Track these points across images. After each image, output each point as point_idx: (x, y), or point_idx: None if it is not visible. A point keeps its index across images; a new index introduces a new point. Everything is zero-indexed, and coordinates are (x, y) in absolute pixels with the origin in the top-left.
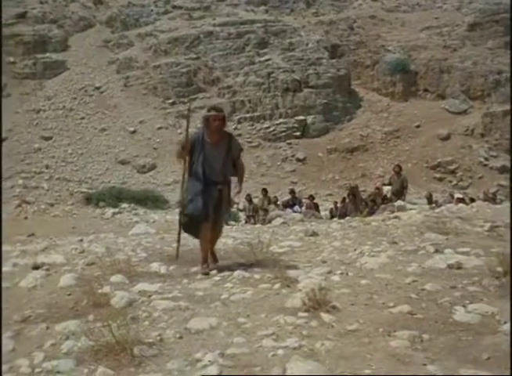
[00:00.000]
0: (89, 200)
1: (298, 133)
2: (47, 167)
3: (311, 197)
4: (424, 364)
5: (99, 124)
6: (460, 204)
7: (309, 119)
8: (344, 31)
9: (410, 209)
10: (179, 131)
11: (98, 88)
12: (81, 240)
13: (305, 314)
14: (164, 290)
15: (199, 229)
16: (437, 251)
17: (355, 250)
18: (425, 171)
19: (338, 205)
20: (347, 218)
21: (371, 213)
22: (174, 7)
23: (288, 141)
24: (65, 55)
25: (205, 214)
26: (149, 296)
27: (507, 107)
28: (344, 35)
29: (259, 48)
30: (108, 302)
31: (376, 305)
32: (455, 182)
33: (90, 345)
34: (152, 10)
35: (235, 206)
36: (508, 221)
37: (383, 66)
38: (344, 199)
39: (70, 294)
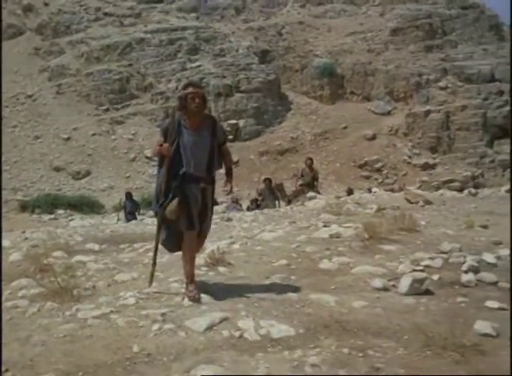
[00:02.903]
0: (24, 207)
1: (231, 137)
2: None
3: (269, 180)
4: (286, 292)
5: (32, 132)
6: (366, 194)
7: (241, 123)
8: (273, 37)
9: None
10: (113, 137)
11: (30, 96)
12: (24, 232)
13: (206, 268)
14: (97, 259)
15: (175, 240)
16: (325, 226)
17: (260, 229)
18: (353, 170)
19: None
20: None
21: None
22: (106, 14)
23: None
24: None
25: (188, 220)
26: (85, 263)
27: (428, 107)
28: (273, 41)
29: (191, 55)
30: (52, 269)
31: (263, 262)
32: (381, 180)
33: (39, 291)
34: (83, 17)
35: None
36: (396, 204)
37: (311, 71)
38: (256, 199)
39: (19, 266)
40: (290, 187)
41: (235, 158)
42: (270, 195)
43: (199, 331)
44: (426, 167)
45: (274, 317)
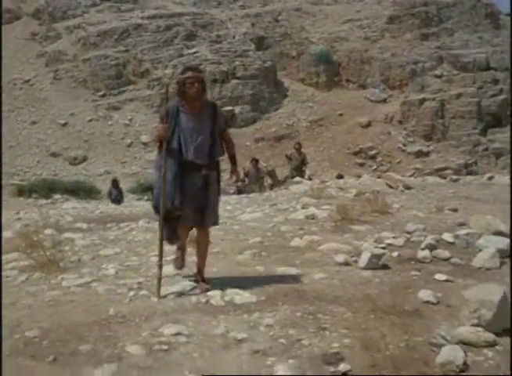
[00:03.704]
0: (21, 192)
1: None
2: None
3: (255, 160)
4: (254, 265)
5: (29, 117)
6: (351, 179)
7: (237, 109)
8: (269, 24)
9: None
10: (110, 122)
11: (27, 81)
12: (18, 213)
13: None
14: (85, 236)
15: (173, 231)
16: (303, 208)
17: (241, 211)
18: (347, 157)
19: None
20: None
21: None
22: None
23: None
24: None
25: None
26: (73, 240)
27: (423, 96)
28: (270, 27)
29: (187, 41)
30: (41, 245)
31: (239, 239)
32: (375, 167)
33: (28, 264)
34: (80, 3)
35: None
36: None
37: (307, 58)
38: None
39: (10, 242)
40: (285, 174)
41: None
42: (255, 175)
43: (170, 298)
44: (420, 154)
45: (240, 287)
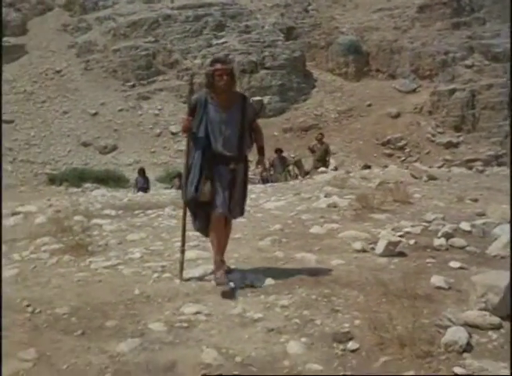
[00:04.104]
0: (53, 180)
1: None
2: (10, 149)
3: (280, 151)
4: (274, 251)
5: (60, 107)
6: (376, 170)
7: (265, 99)
8: (299, 14)
9: None
10: (139, 112)
11: (58, 71)
12: (49, 200)
13: None
14: (112, 222)
15: (206, 223)
16: (325, 197)
17: (265, 199)
18: (376, 148)
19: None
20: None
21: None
22: None
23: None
24: (24, 39)
25: (217, 201)
26: (101, 225)
27: (453, 86)
28: (299, 18)
29: (217, 31)
30: (71, 230)
31: (261, 226)
32: (403, 158)
33: (59, 247)
34: None
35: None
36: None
37: (336, 48)
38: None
39: (43, 227)
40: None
41: None
42: (281, 165)
43: (191, 280)
44: (449, 145)
45: (259, 271)
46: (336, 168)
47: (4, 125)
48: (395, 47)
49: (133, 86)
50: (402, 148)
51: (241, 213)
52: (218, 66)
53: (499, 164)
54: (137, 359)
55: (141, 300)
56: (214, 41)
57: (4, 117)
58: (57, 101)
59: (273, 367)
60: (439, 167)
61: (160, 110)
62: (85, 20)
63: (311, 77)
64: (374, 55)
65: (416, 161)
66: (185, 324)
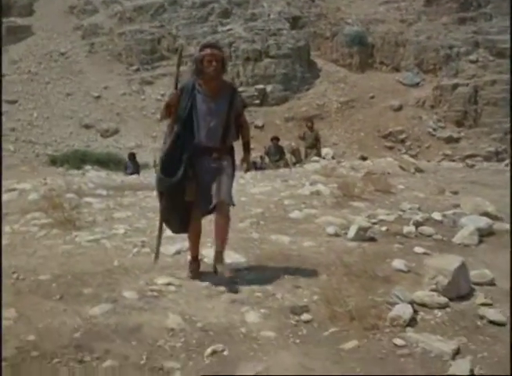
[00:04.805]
0: (54, 162)
1: (258, 101)
2: (12, 129)
3: (276, 139)
4: (251, 232)
5: (63, 89)
6: (367, 161)
7: (269, 88)
8: (305, 3)
9: None
10: (142, 97)
11: (63, 53)
12: (45, 179)
13: None
14: (102, 201)
15: (181, 220)
16: (311, 185)
17: (252, 185)
18: (377, 140)
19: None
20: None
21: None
22: None
23: (248, 108)
24: (30, 20)
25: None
26: (91, 204)
27: (457, 81)
28: (305, 7)
29: (222, 18)
30: (62, 206)
31: (243, 210)
32: (404, 151)
33: (48, 222)
34: None
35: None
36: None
37: (341, 38)
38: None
39: (35, 204)
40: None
41: (260, 123)
42: (276, 153)
43: (168, 255)
44: (450, 140)
45: (233, 249)
46: (333, 158)
47: (7, 105)
48: (400, 40)
49: (137, 70)
50: (402, 141)
51: (229, 200)
52: (208, 51)
53: (499, 161)
54: (107, 321)
55: (119, 271)
56: (220, 28)
57: (8, 98)
58: (61, 83)
59: (230, 333)
60: (439, 161)
61: (162, 95)
62: (92, 3)
63: (315, 67)
64: (379, 47)
65: (416, 155)
66: (156, 294)
